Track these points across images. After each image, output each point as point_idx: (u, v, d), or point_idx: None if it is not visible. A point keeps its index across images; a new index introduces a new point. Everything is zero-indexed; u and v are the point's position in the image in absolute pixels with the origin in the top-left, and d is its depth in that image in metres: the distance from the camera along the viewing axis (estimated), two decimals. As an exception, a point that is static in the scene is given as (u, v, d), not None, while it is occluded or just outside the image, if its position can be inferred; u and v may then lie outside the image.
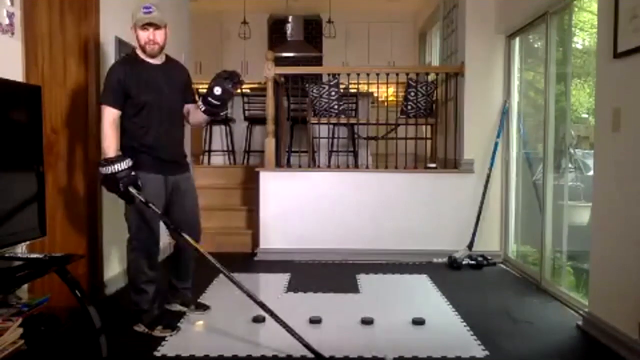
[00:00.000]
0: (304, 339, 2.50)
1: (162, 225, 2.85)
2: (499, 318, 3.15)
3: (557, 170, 3.72)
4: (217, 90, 2.77)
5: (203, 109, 2.85)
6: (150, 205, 2.65)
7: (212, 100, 2.80)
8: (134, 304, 2.86)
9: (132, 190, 2.60)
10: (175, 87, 2.90)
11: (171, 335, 2.79)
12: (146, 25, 2.71)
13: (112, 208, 3.55)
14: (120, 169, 2.56)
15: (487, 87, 4.63)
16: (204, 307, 3.20)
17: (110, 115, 2.68)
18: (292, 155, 5.59)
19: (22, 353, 2.09)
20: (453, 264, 4.36)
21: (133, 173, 2.60)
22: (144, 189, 2.67)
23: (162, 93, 2.80)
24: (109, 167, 2.56)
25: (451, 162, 4.83)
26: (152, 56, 2.79)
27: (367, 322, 3.00)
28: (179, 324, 2.94)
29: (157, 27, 2.73)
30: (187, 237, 2.72)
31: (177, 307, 3.16)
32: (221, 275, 4.04)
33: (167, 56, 2.91)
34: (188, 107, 2.99)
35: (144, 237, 2.81)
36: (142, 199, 2.64)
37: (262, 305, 2.61)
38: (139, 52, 2.80)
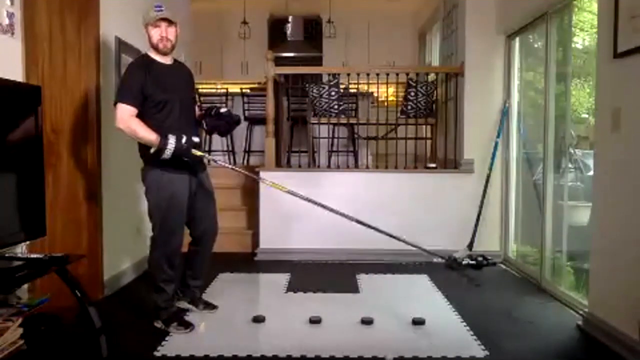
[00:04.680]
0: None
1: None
2: (499, 318, 3.15)
3: (557, 170, 3.72)
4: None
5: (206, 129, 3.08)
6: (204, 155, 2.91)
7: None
8: (153, 301, 2.91)
9: (195, 152, 2.75)
10: (187, 87, 3.01)
11: (187, 333, 2.81)
12: (158, 22, 2.77)
13: (112, 208, 3.56)
14: (173, 147, 2.65)
15: (487, 87, 4.62)
16: (212, 307, 3.20)
17: (128, 111, 2.70)
18: (292, 155, 5.59)
19: (22, 353, 2.10)
20: (453, 263, 4.36)
21: (183, 140, 2.68)
22: (171, 186, 2.78)
23: (178, 92, 2.88)
24: (166, 153, 2.65)
25: (451, 162, 4.82)
26: (165, 54, 2.84)
27: (367, 322, 3.00)
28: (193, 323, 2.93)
29: (169, 23, 2.80)
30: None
31: (185, 305, 3.16)
32: (222, 274, 4.08)
33: (173, 58, 2.97)
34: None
35: (167, 236, 2.85)
36: (206, 156, 2.93)
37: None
38: (151, 53, 2.85)
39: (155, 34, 2.79)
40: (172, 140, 2.64)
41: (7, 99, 2.26)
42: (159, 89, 2.77)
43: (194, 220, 2.98)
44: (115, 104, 2.74)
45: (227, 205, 5.16)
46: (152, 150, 2.68)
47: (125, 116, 2.69)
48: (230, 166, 3.32)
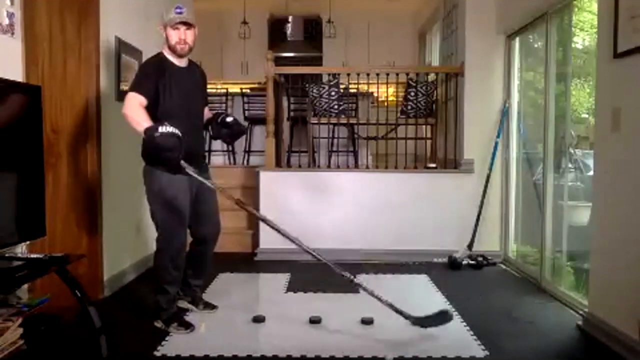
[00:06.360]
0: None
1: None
2: (499, 318, 3.15)
3: (557, 170, 3.72)
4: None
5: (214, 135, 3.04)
6: (196, 175, 2.67)
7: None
8: (156, 301, 2.90)
9: (183, 164, 2.58)
10: (199, 91, 3.00)
11: (187, 333, 2.81)
12: (178, 25, 2.74)
13: (112, 208, 3.56)
14: (166, 131, 2.46)
15: (487, 87, 4.62)
16: (212, 307, 3.20)
17: (136, 100, 2.61)
18: (292, 155, 5.59)
19: (22, 353, 2.10)
20: (453, 264, 4.36)
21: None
22: (172, 188, 2.74)
23: (189, 97, 2.85)
24: (158, 131, 2.45)
25: (451, 162, 4.82)
26: (181, 56, 2.82)
27: (367, 322, 3.00)
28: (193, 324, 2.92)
29: (188, 26, 2.77)
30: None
31: (186, 305, 3.16)
32: (222, 274, 4.08)
33: (189, 59, 2.94)
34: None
35: (169, 237, 2.83)
36: (192, 173, 2.63)
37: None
38: (166, 53, 2.82)
39: (174, 35, 2.75)
40: (161, 130, 2.46)
41: (7, 99, 2.26)
42: (170, 93, 2.74)
43: (196, 220, 2.97)
44: (127, 92, 2.69)
45: (227, 205, 5.11)
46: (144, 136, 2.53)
47: (131, 103, 2.61)
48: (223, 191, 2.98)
